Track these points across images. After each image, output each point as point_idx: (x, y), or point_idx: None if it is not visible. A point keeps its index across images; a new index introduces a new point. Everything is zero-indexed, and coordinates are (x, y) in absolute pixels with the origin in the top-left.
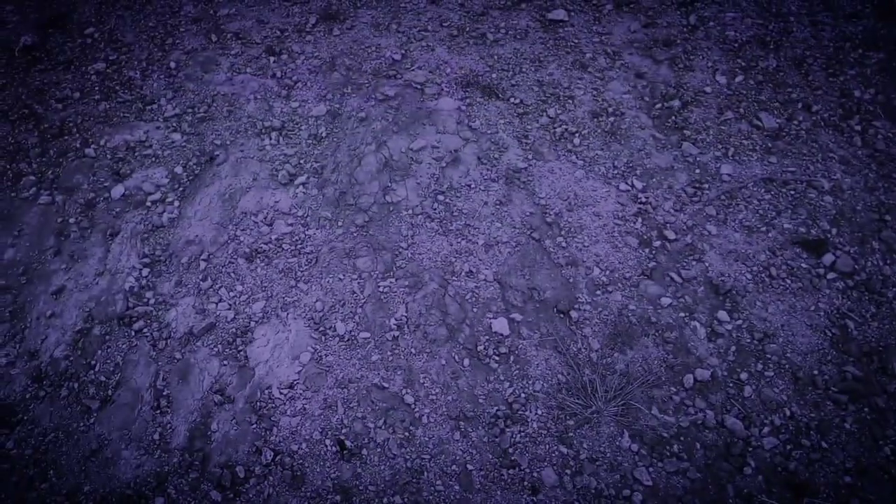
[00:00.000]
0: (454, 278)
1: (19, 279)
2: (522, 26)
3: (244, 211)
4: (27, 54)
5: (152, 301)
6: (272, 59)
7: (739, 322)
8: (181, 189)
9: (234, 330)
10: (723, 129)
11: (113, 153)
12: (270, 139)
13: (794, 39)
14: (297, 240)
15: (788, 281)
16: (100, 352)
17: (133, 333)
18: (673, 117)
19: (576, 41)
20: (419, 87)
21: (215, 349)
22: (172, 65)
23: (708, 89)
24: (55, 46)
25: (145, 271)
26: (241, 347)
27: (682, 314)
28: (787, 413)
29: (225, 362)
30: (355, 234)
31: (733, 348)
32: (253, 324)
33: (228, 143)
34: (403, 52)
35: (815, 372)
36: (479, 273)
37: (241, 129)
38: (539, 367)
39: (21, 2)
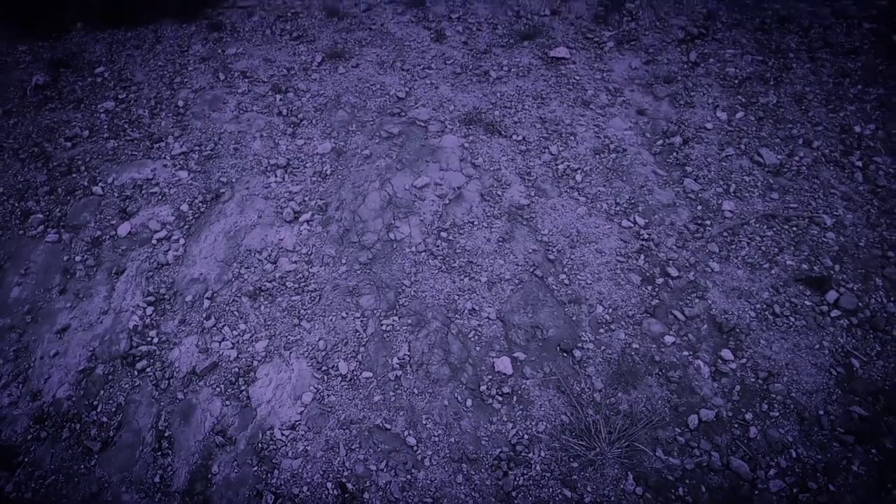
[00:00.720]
0: (457, 316)
1: (25, 318)
2: (525, 64)
3: (249, 248)
4: (39, 93)
5: (156, 340)
6: (278, 96)
7: (743, 361)
8: (187, 227)
9: (236, 369)
10: (724, 165)
11: (120, 191)
12: (276, 176)
13: (794, 76)
14: (300, 277)
15: (792, 318)
16: (102, 392)
17: (136, 373)
18: (674, 154)
19: (577, 78)
20: (423, 124)
21: (217, 389)
22: (180, 103)
23: (709, 125)
24: (66, 85)
25: (149, 310)
26: (243, 387)
27: (685, 353)
28: (794, 454)
29: (227, 402)
30: (359, 272)
31: (738, 388)
32: (255, 363)
33: (234, 180)
34: (408, 89)
35: (821, 412)
36: (482, 311)
37: (247, 167)
38: (542, 408)
39: (34, 42)
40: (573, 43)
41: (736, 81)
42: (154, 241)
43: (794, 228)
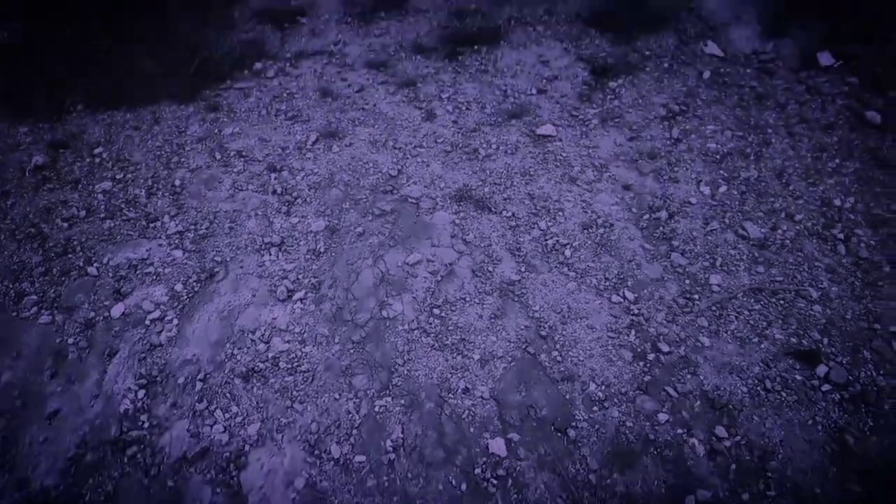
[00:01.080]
0: (450, 396)
1: (14, 402)
2: (513, 141)
3: (242, 328)
4: (37, 174)
5: (146, 425)
6: (273, 175)
7: (738, 438)
8: (180, 307)
9: (227, 454)
10: (709, 239)
11: (115, 271)
12: (270, 255)
13: (774, 150)
14: (293, 357)
15: (784, 394)
16: (91, 480)
17: (126, 460)
18: (661, 228)
19: (564, 155)
20: (415, 201)
21: (208, 475)
22: (177, 182)
23: (693, 200)
24: (65, 166)
25: (141, 393)
26: (234, 473)
27: (679, 430)
28: None
29: (218, 490)
30: (352, 351)
31: (733, 466)
32: (247, 447)
33: (229, 259)
34: (399, 167)
35: (818, 490)
36: (475, 390)
37: (242, 246)
38: (538, 491)
39: (35, 123)
40: (559, 120)
41: (718, 157)
42: (147, 322)
43: (782, 302)
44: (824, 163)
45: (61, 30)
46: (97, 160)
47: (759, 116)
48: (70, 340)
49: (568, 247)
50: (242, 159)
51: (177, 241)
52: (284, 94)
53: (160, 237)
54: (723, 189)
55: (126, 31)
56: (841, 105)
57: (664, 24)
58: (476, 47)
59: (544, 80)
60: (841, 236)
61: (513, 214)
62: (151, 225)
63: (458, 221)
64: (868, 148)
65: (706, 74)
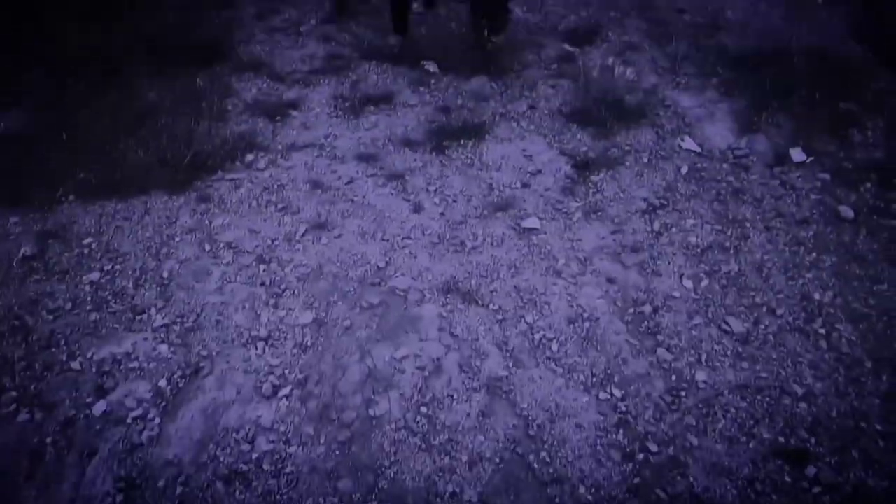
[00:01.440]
0: (438, 501)
1: None
2: (499, 234)
3: (226, 427)
4: (25, 265)
5: None
6: (262, 267)
7: None
8: (164, 404)
9: None
10: (694, 334)
11: (98, 366)
12: (256, 349)
13: (752, 244)
14: (277, 459)
15: (774, 496)
16: None
17: None
18: (645, 322)
19: (549, 248)
20: (402, 293)
21: None
22: (165, 274)
23: (676, 294)
24: (53, 256)
25: (119, 497)
26: None
27: None
28: None
29: None
30: (337, 453)
31: None
32: None
33: (215, 354)
34: (388, 259)
35: None
36: (464, 494)
37: (228, 340)
38: None
39: (27, 213)
40: (543, 214)
41: (698, 250)
42: (129, 421)
43: (768, 399)
44: (802, 257)
45: (61, 120)
46: (86, 251)
47: (736, 210)
48: (48, 440)
49: (554, 341)
50: (232, 250)
51: (163, 335)
52: (275, 186)
53: (146, 331)
54: (704, 283)
55: (123, 122)
56: (815, 200)
57: (642, 119)
58: (462, 141)
59: (528, 174)
60: (822, 331)
61: (499, 308)
62: (138, 318)
63: (445, 314)
64: (843, 242)
65: (684, 169)
